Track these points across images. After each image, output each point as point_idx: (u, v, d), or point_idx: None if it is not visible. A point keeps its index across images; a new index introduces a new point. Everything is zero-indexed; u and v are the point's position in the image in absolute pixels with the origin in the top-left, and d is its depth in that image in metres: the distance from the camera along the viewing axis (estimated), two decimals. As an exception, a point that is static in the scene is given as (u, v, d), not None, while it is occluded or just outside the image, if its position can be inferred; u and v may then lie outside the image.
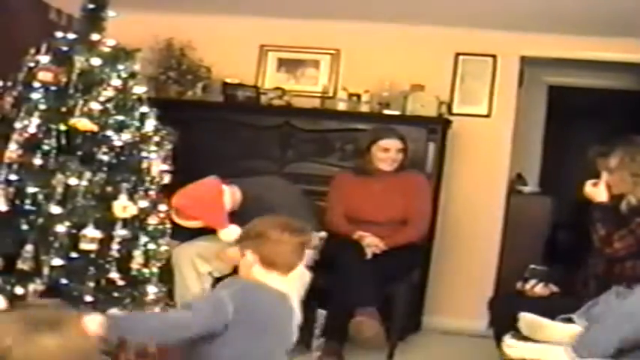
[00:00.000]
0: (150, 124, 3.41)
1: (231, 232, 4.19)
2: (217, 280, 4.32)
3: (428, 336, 5.28)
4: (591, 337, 3.13)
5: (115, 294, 3.09)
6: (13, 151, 3.02)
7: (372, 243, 4.42)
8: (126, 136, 3.26)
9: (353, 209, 4.66)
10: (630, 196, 3.64)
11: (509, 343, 3.27)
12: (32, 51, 3.20)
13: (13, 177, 3.00)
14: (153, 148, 3.40)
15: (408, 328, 5.06)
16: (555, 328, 3.23)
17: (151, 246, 3.28)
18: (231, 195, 4.32)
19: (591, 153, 3.77)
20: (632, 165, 3.61)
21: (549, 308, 3.40)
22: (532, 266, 3.75)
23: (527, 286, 3.67)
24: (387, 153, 4.62)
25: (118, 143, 3.22)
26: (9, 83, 3.17)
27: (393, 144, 4.63)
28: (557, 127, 7.03)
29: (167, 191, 3.53)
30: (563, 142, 7.03)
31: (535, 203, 6.12)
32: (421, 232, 4.73)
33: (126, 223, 3.16)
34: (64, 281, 2.99)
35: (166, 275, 3.03)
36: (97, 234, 3.02)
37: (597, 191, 3.63)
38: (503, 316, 3.47)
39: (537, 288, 3.65)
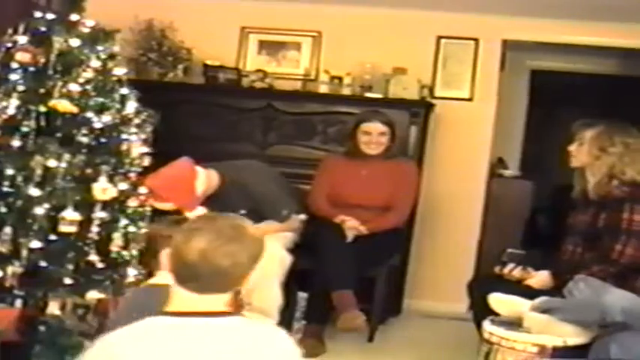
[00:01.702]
0: (130, 106, 3.39)
1: (195, 215, 4.20)
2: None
3: (408, 319, 5.30)
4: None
5: (95, 276, 3.08)
6: (-9, 132, 3.00)
7: (352, 226, 4.43)
8: (106, 118, 3.25)
9: (339, 192, 4.66)
10: (588, 172, 3.65)
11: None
12: (10, 31, 3.16)
13: (-10, 159, 2.98)
14: (133, 130, 3.39)
15: (389, 311, 5.08)
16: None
17: (131, 228, 3.26)
18: (206, 178, 4.31)
19: (577, 124, 3.78)
20: (605, 141, 3.62)
21: (526, 292, 3.42)
22: (510, 250, 3.77)
23: (505, 270, 3.68)
24: (368, 136, 4.63)
25: (98, 125, 3.20)
26: (-14, 64, 3.14)
27: (374, 127, 4.64)
28: (538, 111, 7.06)
29: (145, 174, 3.52)
30: (545, 127, 7.06)
31: (516, 187, 6.14)
32: (402, 219, 4.77)
33: (105, 205, 3.15)
34: (43, 264, 2.98)
35: (146, 258, 3.02)
36: (77, 216, 3.00)
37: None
38: (482, 299, 3.48)
39: (515, 271, 3.67)
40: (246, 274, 2.03)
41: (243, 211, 4.39)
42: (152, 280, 2.73)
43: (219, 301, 1.99)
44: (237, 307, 4.05)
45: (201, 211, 4.23)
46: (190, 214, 4.20)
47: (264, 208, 4.39)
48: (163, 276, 2.58)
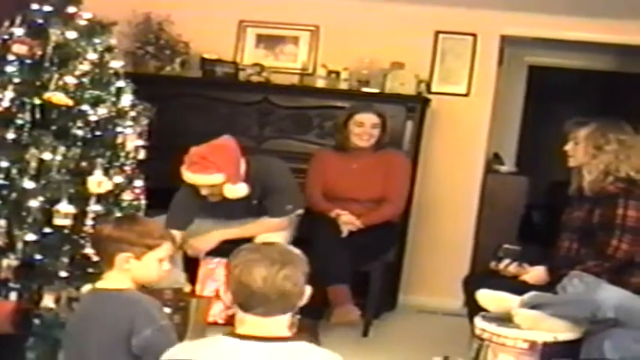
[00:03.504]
0: (126, 99, 3.40)
1: (237, 189, 4.15)
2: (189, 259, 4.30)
3: (403, 314, 5.30)
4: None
5: (90, 270, 3.08)
6: (-14, 125, 3.01)
7: (348, 221, 4.42)
8: (102, 110, 3.25)
9: (332, 186, 4.65)
10: (585, 170, 3.65)
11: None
12: (6, 23, 3.17)
13: (-15, 151, 2.98)
14: (129, 123, 3.39)
15: (384, 306, 5.09)
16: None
17: (126, 222, 3.26)
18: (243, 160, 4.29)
19: (569, 123, 3.79)
20: (600, 139, 3.62)
21: (522, 288, 3.43)
22: (505, 245, 3.77)
23: (501, 266, 3.68)
24: (361, 127, 4.62)
25: (93, 118, 3.21)
26: (-18, 56, 3.14)
27: (367, 118, 4.63)
28: (535, 107, 7.06)
29: (140, 167, 3.51)
30: (541, 123, 7.06)
31: (511, 183, 6.14)
32: (398, 210, 4.75)
33: (100, 198, 3.15)
34: (38, 256, 2.99)
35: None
36: (71, 209, 3.01)
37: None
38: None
39: (511, 267, 3.68)
40: (304, 291, 2.24)
41: (254, 201, 4.37)
42: (100, 284, 2.53)
43: (283, 323, 2.19)
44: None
45: (243, 187, 4.18)
46: (232, 187, 4.15)
47: (272, 199, 4.33)
48: (111, 279, 2.50)
